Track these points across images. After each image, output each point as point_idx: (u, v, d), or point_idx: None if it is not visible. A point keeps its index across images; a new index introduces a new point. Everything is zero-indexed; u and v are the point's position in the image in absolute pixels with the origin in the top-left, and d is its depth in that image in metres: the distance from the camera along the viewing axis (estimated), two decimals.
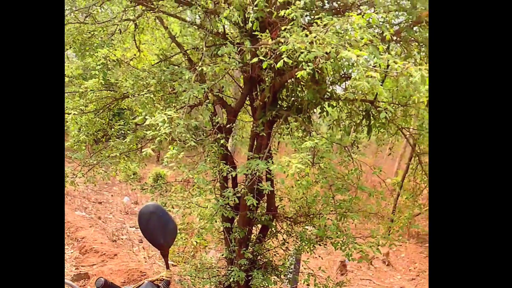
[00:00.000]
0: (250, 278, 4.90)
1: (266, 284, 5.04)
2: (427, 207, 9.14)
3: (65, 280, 2.84)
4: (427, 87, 2.67)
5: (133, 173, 12.18)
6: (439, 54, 1.74)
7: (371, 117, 3.84)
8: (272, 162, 3.69)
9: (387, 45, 3.37)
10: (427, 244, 13.14)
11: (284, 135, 4.49)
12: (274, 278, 5.29)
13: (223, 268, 5.90)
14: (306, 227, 5.25)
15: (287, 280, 5.90)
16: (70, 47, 4.23)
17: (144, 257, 7.92)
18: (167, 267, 2.02)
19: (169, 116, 3.31)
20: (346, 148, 3.76)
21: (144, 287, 1.89)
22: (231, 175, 4.15)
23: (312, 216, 5.06)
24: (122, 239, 9.00)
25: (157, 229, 1.90)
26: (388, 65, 2.75)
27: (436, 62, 1.75)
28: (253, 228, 5.33)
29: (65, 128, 4.69)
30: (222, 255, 5.57)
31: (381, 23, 3.14)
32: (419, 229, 13.43)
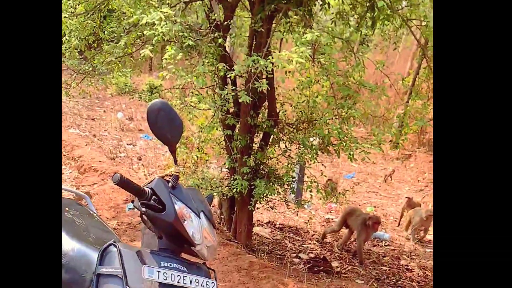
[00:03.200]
0: (253, 187, 5.25)
1: (269, 193, 5.39)
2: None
3: (64, 187, 3.10)
4: None
5: (125, 84, 12.22)
6: None
7: (375, 9, 3.94)
8: (272, 58, 3.83)
9: None
10: None
11: (284, 31, 4.60)
12: (277, 188, 5.61)
13: (225, 179, 6.24)
14: (310, 138, 5.47)
15: (291, 190, 6.21)
16: None
17: (145, 174, 8.32)
18: (175, 163, 2.25)
19: (165, 13, 3.45)
20: (347, 42, 3.90)
21: (155, 182, 2.11)
22: (230, 78, 4.33)
23: (314, 121, 5.28)
24: (120, 156, 9.38)
25: (165, 125, 2.12)
26: None
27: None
28: (255, 137, 5.59)
29: None
30: (224, 164, 5.86)
31: None
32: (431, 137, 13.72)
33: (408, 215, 8.04)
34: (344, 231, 7.21)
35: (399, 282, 5.90)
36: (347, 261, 6.44)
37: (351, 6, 4.34)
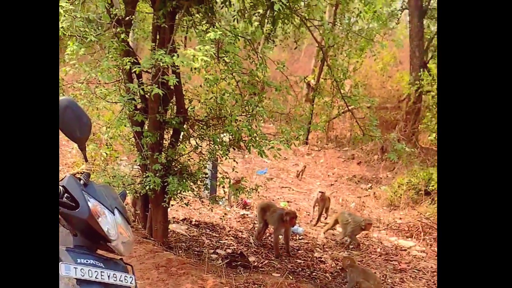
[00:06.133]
0: (166, 184, 5.25)
1: (183, 190, 5.40)
2: (345, 109, 9.83)
3: None
4: None
5: None
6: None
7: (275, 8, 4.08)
8: (177, 56, 3.88)
9: None
10: (346, 148, 14.20)
11: (188, 27, 4.65)
12: (191, 184, 5.65)
13: (137, 176, 6.17)
14: (221, 134, 5.55)
15: (204, 186, 6.26)
16: None
17: None
18: (86, 160, 2.28)
19: (64, 8, 3.38)
20: (250, 41, 4.03)
21: (66, 180, 2.13)
22: (135, 73, 4.30)
23: (224, 118, 5.38)
24: None
25: (73, 123, 2.12)
26: None
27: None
28: (165, 133, 5.59)
29: None
30: (135, 160, 5.79)
31: None
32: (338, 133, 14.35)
33: (334, 217, 8.01)
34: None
35: (314, 273, 6.15)
36: (264, 255, 6.59)
37: (251, 4, 4.46)
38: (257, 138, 5.00)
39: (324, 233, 8.10)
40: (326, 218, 8.98)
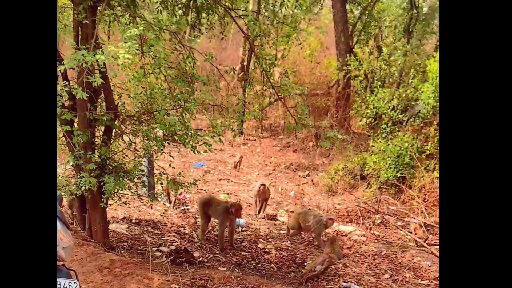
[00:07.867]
0: (102, 184, 5.20)
1: (120, 189, 5.37)
2: (276, 98, 9.93)
3: None
4: None
5: None
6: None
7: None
8: (102, 52, 3.82)
9: None
10: (281, 136, 14.40)
11: (110, 21, 4.57)
12: (128, 182, 5.61)
13: (71, 177, 6.00)
14: (155, 129, 5.49)
15: (142, 184, 6.19)
16: None
17: None
18: None
19: None
20: (175, 34, 4.03)
21: None
22: (60, 71, 4.19)
23: (155, 112, 5.34)
24: None
25: None
26: None
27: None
28: (96, 131, 5.49)
29: None
30: (68, 161, 5.63)
31: None
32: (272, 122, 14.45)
33: (295, 217, 7.67)
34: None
35: (259, 265, 6.24)
36: (208, 250, 6.61)
37: None
38: (188, 133, 5.01)
39: (288, 235, 7.92)
40: (265, 209, 9.05)
